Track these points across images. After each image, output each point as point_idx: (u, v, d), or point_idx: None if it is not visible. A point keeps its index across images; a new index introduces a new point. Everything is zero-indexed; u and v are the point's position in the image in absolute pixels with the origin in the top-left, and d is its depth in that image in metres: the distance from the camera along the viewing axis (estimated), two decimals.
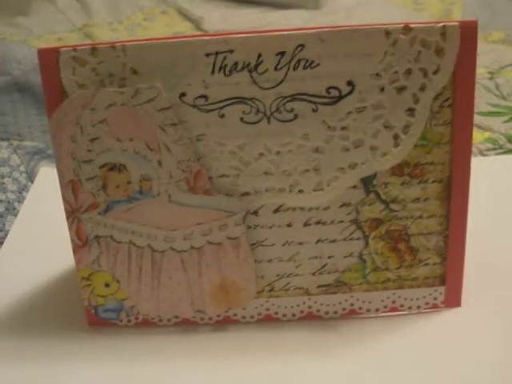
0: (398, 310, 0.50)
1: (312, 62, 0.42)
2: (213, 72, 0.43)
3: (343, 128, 0.44)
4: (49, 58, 0.43)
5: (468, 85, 0.43)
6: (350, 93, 0.43)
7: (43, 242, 0.60)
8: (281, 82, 0.43)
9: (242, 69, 0.42)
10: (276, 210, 0.46)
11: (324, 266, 0.48)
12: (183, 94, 0.43)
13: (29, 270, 0.56)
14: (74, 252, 0.48)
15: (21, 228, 0.63)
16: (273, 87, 0.43)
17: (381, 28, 0.42)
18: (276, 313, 0.50)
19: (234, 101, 0.43)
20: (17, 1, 1.28)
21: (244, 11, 1.23)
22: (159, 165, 0.45)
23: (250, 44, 0.42)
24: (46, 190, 0.67)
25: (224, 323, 0.50)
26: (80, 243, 0.47)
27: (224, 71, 0.43)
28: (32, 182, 0.72)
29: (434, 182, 0.46)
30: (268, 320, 0.50)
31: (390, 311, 0.50)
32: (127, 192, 0.45)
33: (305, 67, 0.42)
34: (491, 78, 0.90)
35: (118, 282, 0.48)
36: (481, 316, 0.49)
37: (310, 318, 0.50)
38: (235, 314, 0.50)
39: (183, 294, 0.48)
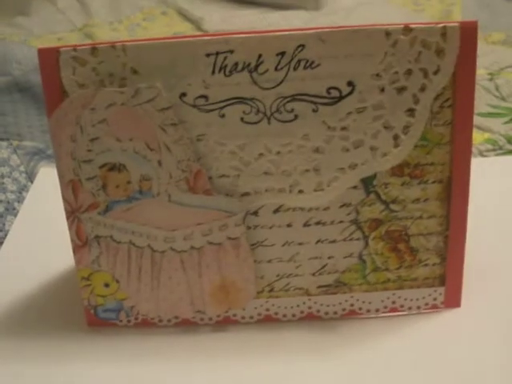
0: (398, 311, 0.50)
1: (312, 62, 0.42)
2: (213, 72, 0.43)
3: (343, 128, 0.44)
4: (49, 58, 0.43)
5: (468, 85, 0.43)
6: (350, 93, 0.43)
7: (43, 242, 0.60)
8: (281, 83, 0.43)
9: (243, 69, 0.42)
10: (276, 211, 0.46)
11: (324, 266, 0.48)
12: (183, 94, 0.43)
13: (28, 270, 0.56)
14: (74, 252, 0.48)
15: (20, 228, 0.63)
16: (273, 87, 0.43)
17: (381, 28, 0.42)
18: (276, 313, 0.50)
19: (234, 101, 0.43)
20: (17, 1, 1.28)
21: (244, 12, 1.23)
22: (159, 165, 0.45)
23: (250, 44, 0.42)
24: (46, 190, 0.67)
25: (224, 323, 0.50)
26: (80, 243, 0.47)
27: (224, 71, 0.43)
28: (32, 182, 0.72)
29: (434, 182, 0.46)
30: (268, 320, 0.50)
31: (389, 312, 0.50)
32: (127, 192, 0.45)
33: (305, 67, 0.42)
34: (491, 79, 0.90)
35: (117, 282, 0.48)
36: (480, 316, 0.49)
37: (310, 319, 0.50)
38: (235, 315, 0.50)
39: (183, 294, 0.48)
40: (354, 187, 0.46)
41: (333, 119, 0.44)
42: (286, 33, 0.42)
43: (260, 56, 0.42)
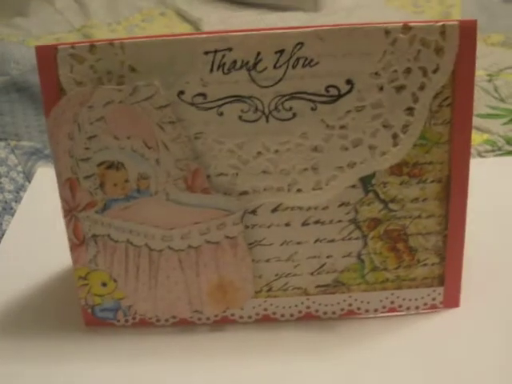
0: (397, 311, 0.50)
1: (311, 60, 0.42)
2: (211, 70, 0.42)
3: (342, 127, 0.44)
4: (47, 56, 0.43)
5: (467, 84, 0.43)
6: (349, 92, 0.43)
7: (40, 241, 0.59)
8: (279, 81, 0.43)
9: (241, 67, 0.42)
10: (274, 210, 0.46)
11: (322, 265, 0.48)
12: (181, 92, 0.43)
13: (26, 270, 0.56)
14: (71, 251, 0.47)
15: (18, 228, 0.63)
16: (271, 85, 0.43)
17: (380, 27, 0.42)
18: (274, 313, 0.49)
19: (232, 99, 0.43)
20: (15, 2, 1.28)
21: (242, 13, 1.23)
22: (157, 163, 0.44)
23: (248, 42, 0.42)
24: (44, 190, 0.67)
25: (222, 323, 0.50)
26: (77, 242, 0.47)
27: (223, 69, 0.42)
28: (29, 181, 0.72)
29: (432, 181, 0.46)
30: (266, 320, 0.50)
31: (388, 311, 0.50)
32: (125, 190, 0.45)
33: (304, 66, 0.42)
34: (490, 81, 0.90)
35: (115, 281, 0.48)
36: (479, 316, 0.49)
37: (308, 319, 0.50)
38: (233, 314, 0.49)
39: (181, 294, 0.48)
40: (353, 186, 0.46)
41: (331, 118, 0.43)
42: (285, 31, 0.42)
43: (258, 54, 0.42)
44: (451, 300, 0.50)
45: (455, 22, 0.42)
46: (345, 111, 0.43)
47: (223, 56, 0.42)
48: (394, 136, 0.44)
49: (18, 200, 0.69)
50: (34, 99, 0.92)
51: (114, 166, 0.45)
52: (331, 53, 0.42)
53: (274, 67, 0.42)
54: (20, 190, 0.71)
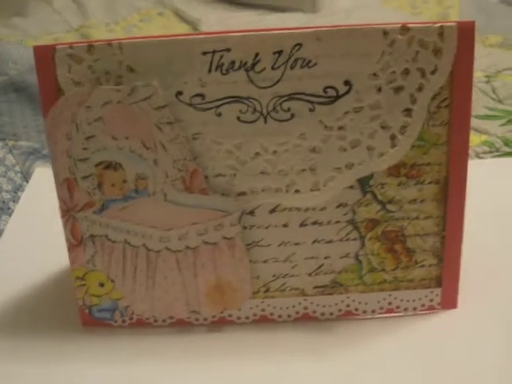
0: (394, 312, 0.50)
1: (309, 61, 0.42)
2: (209, 71, 0.42)
3: (340, 128, 0.44)
4: (45, 56, 0.43)
5: (465, 85, 0.43)
6: (347, 92, 0.43)
7: (38, 241, 0.59)
8: (278, 82, 0.43)
9: (239, 68, 0.42)
10: (272, 210, 0.46)
11: (320, 266, 0.48)
12: (180, 93, 0.43)
13: (23, 270, 0.56)
14: (69, 251, 0.47)
15: (15, 228, 0.63)
16: (270, 86, 0.43)
17: (378, 28, 0.42)
18: (271, 314, 0.49)
19: (230, 100, 0.43)
20: (13, 2, 1.27)
21: (241, 14, 1.23)
22: (155, 164, 0.44)
23: (247, 43, 0.42)
24: (41, 190, 0.66)
25: (219, 324, 0.49)
26: (75, 242, 0.47)
27: (221, 70, 0.42)
28: (27, 181, 0.72)
29: (430, 182, 0.46)
30: (263, 321, 0.50)
31: (386, 312, 0.50)
32: (123, 191, 0.45)
33: (302, 66, 0.42)
34: (488, 82, 0.90)
35: (112, 281, 0.48)
36: (477, 318, 0.49)
37: (306, 319, 0.50)
38: (230, 315, 0.49)
39: (178, 294, 0.48)
40: (351, 187, 0.46)
41: (329, 119, 0.43)
42: (283, 32, 0.42)
43: (257, 55, 0.42)
44: (449, 301, 0.50)
45: (453, 24, 0.42)
46: (343, 112, 0.43)
47: (221, 56, 0.42)
48: (392, 137, 0.44)
49: (15, 200, 0.69)
50: (32, 99, 0.91)
51: (112, 166, 0.45)
52: (329, 54, 0.42)
53: (273, 68, 0.42)
54: (18, 189, 0.71)
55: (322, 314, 0.50)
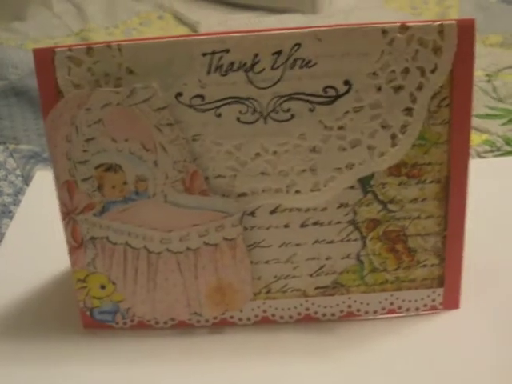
0: (396, 312, 0.49)
1: (309, 61, 0.42)
2: (209, 72, 0.42)
3: (340, 128, 0.44)
4: (44, 58, 0.43)
5: (466, 84, 0.43)
6: (346, 92, 0.43)
7: (39, 244, 0.59)
8: (277, 82, 0.43)
9: (239, 68, 0.42)
10: (273, 211, 0.46)
11: (321, 267, 0.48)
12: (179, 94, 0.43)
13: (24, 273, 0.56)
14: (70, 253, 0.47)
15: (16, 231, 0.63)
16: (269, 87, 0.43)
17: (378, 27, 0.42)
18: (273, 315, 0.49)
19: (230, 100, 0.43)
20: (13, 6, 1.27)
21: (240, 16, 1.23)
22: (155, 165, 0.44)
23: (246, 43, 0.42)
24: (42, 193, 0.67)
25: (220, 325, 0.49)
26: (75, 244, 0.47)
27: (220, 71, 0.42)
28: (28, 185, 0.72)
29: (431, 182, 0.46)
30: (265, 322, 0.49)
31: (387, 313, 0.49)
32: (123, 193, 0.45)
33: (301, 66, 0.42)
34: (489, 81, 0.90)
35: (113, 283, 0.48)
36: (479, 317, 0.49)
37: (308, 320, 0.49)
38: (232, 317, 0.49)
39: (179, 296, 0.48)
40: (351, 187, 0.45)
41: (329, 118, 0.43)
42: (282, 32, 0.42)
43: (256, 55, 0.42)
44: (451, 301, 0.49)
45: (453, 21, 0.42)
46: (343, 112, 0.43)
47: (221, 57, 0.42)
48: (393, 136, 0.44)
49: (16, 203, 0.69)
50: (33, 103, 0.91)
51: (112, 168, 0.45)
52: (329, 53, 0.42)
53: (272, 68, 0.42)
54: (18, 193, 0.71)
55: (324, 315, 0.49)
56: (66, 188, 0.45)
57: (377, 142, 0.44)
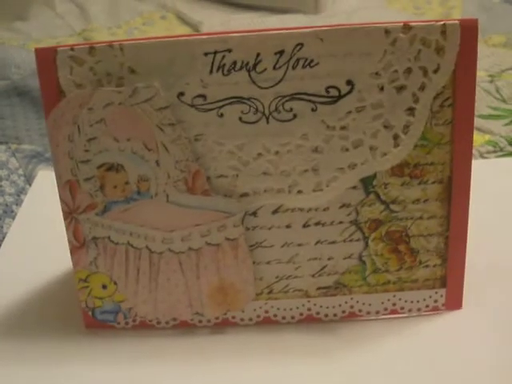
0: (399, 313, 0.49)
1: (311, 61, 0.42)
2: (211, 71, 0.42)
3: (342, 128, 0.44)
4: (46, 58, 0.43)
5: (468, 84, 0.43)
6: (349, 92, 0.43)
7: (41, 244, 0.59)
8: (279, 82, 0.42)
9: (241, 68, 0.42)
10: (275, 211, 0.46)
11: (324, 267, 0.48)
12: (181, 94, 0.43)
13: (26, 273, 0.56)
14: (72, 253, 0.47)
15: (18, 230, 0.63)
16: (271, 86, 0.43)
17: (380, 27, 0.42)
18: (275, 315, 0.49)
19: (232, 100, 0.43)
20: (16, 6, 1.28)
21: (242, 16, 1.23)
22: (157, 165, 0.44)
23: (248, 43, 0.42)
24: (44, 193, 0.67)
25: (222, 326, 0.49)
26: (77, 244, 0.47)
27: (222, 70, 0.42)
28: (30, 185, 0.72)
29: (434, 182, 0.46)
30: (267, 322, 0.49)
31: (390, 314, 0.49)
32: (125, 192, 0.45)
33: (304, 66, 0.42)
34: (491, 81, 0.90)
35: (115, 283, 0.48)
36: (482, 318, 0.49)
37: (310, 321, 0.49)
38: (234, 317, 0.49)
39: (181, 296, 0.48)
40: (354, 187, 0.45)
41: (332, 118, 0.43)
42: (285, 31, 0.42)
43: (258, 55, 0.42)
44: (453, 302, 0.49)
45: (456, 21, 0.41)
46: (345, 112, 0.43)
47: (223, 57, 0.42)
48: (395, 137, 0.44)
49: (18, 203, 0.69)
50: (35, 103, 0.92)
51: (114, 168, 0.45)
52: (331, 53, 0.42)
53: (274, 68, 0.42)
54: (21, 193, 0.71)
55: (326, 316, 0.49)
56: (68, 188, 0.45)
57: (379, 142, 0.44)
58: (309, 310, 0.49)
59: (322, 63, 0.42)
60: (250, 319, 0.49)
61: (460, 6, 1.19)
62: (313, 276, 0.48)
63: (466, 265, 0.48)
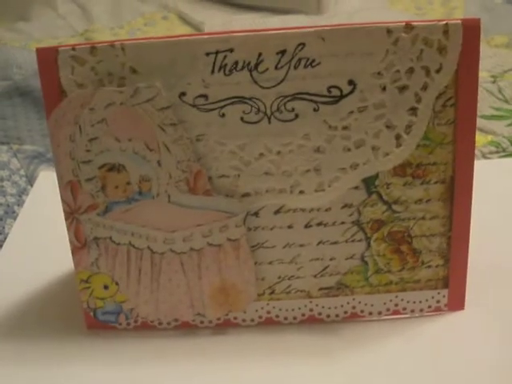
0: (401, 313, 0.49)
1: (313, 60, 0.42)
2: (213, 71, 0.42)
3: (344, 128, 0.43)
4: (47, 58, 0.43)
5: (471, 83, 0.43)
6: (351, 92, 0.43)
7: (42, 245, 0.59)
8: (281, 82, 0.42)
9: (242, 68, 0.42)
10: (277, 211, 0.46)
11: (325, 268, 0.48)
12: (183, 94, 0.43)
13: (28, 273, 0.56)
14: (73, 254, 0.47)
15: (20, 231, 0.63)
16: (273, 86, 0.42)
17: (382, 26, 0.42)
18: (277, 316, 0.49)
19: (234, 100, 0.43)
20: (18, 6, 1.28)
21: (244, 16, 1.23)
22: (159, 165, 0.44)
23: (250, 43, 0.41)
24: (46, 193, 0.67)
25: (224, 326, 0.49)
26: (79, 245, 0.47)
27: (224, 70, 0.42)
28: (31, 185, 0.72)
29: (436, 182, 0.46)
30: (269, 323, 0.49)
31: (392, 314, 0.49)
32: (126, 193, 0.45)
33: (305, 66, 0.42)
34: (494, 82, 0.89)
35: (117, 284, 0.48)
36: (485, 319, 0.48)
37: (312, 321, 0.49)
38: (235, 317, 0.49)
39: (183, 297, 0.48)
40: (356, 187, 0.45)
41: (334, 118, 0.43)
42: (286, 31, 0.41)
43: (260, 55, 0.42)
44: (456, 302, 0.49)
45: (458, 21, 0.41)
46: (347, 112, 0.43)
47: (224, 57, 0.42)
48: (397, 137, 0.44)
49: (20, 203, 0.69)
50: (37, 103, 0.92)
51: (116, 168, 0.44)
52: (333, 53, 0.42)
53: (276, 68, 0.42)
54: (22, 193, 0.71)
55: (328, 316, 0.49)
56: (70, 188, 0.45)
57: (381, 142, 0.44)
58: (311, 310, 0.49)
59: (324, 63, 0.42)
60: (252, 320, 0.49)
61: (462, 6, 1.19)
62: (315, 276, 0.48)
63: (469, 265, 0.48)
